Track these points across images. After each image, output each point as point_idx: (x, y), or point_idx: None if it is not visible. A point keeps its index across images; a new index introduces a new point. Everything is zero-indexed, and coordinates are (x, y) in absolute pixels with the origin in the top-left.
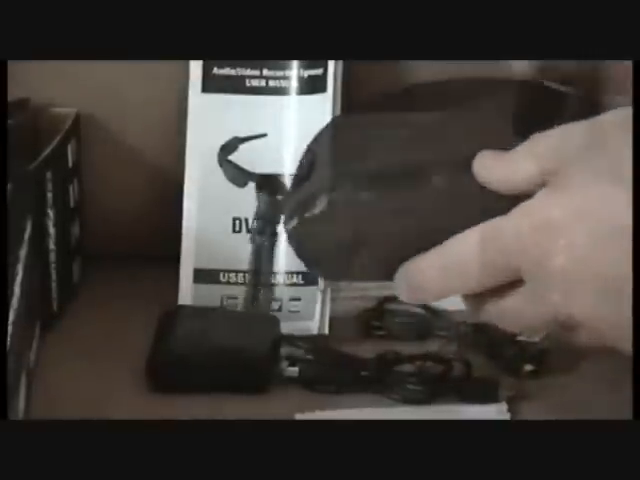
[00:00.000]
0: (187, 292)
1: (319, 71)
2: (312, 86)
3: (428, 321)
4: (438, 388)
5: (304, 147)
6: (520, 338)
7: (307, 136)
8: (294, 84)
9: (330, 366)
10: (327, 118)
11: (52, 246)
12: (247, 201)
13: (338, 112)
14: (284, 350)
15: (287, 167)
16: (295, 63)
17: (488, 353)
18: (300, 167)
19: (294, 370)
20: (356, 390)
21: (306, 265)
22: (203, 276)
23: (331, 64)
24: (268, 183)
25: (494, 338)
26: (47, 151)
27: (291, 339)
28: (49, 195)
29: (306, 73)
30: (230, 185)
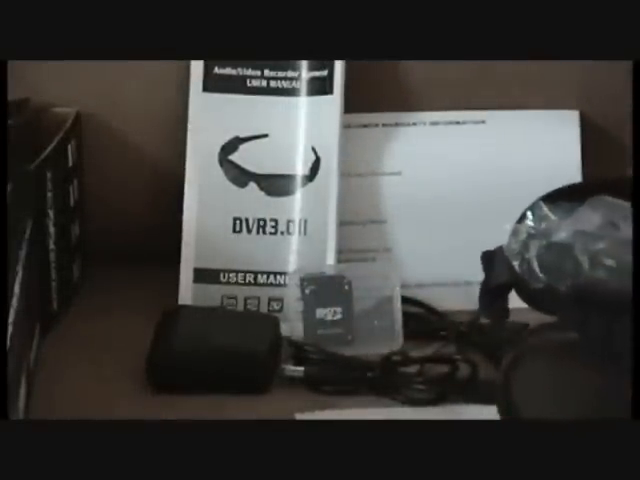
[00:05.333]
0: (187, 292)
1: (324, 73)
2: (318, 88)
3: (429, 321)
4: (444, 389)
5: (310, 148)
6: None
7: (313, 137)
8: (298, 85)
9: (336, 367)
10: (335, 119)
11: (52, 246)
12: (247, 201)
13: (342, 113)
14: (289, 350)
15: (293, 168)
16: (298, 64)
17: (488, 353)
18: None
19: (299, 370)
20: (362, 391)
21: None
22: (203, 276)
23: (337, 66)
24: (271, 183)
25: (494, 338)
26: (47, 151)
27: (296, 340)
28: (49, 195)
29: (310, 75)
30: (230, 185)
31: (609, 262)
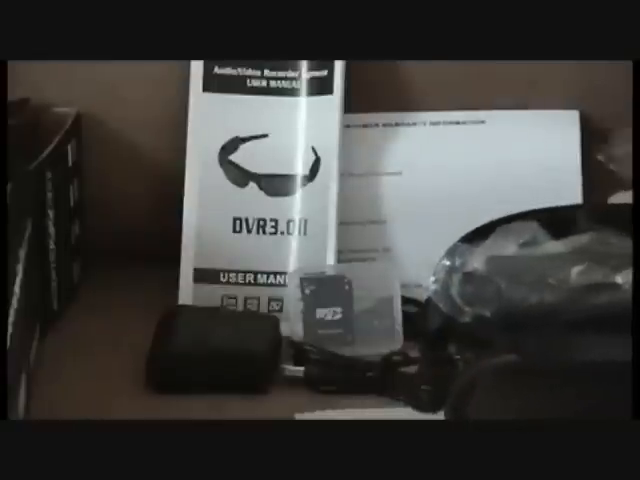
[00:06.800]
0: (187, 292)
1: (324, 73)
2: (318, 88)
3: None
4: (444, 389)
5: (310, 148)
6: None
7: (313, 137)
8: (298, 85)
9: (335, 367)
10: (335, 119)
11: (52, 246)
12: (247, 201)
13: (342, 113)
14: (289, 350)
15: (293, 168)
16: (298, 64)
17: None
18: None
19: (299, 370)
20: (362, 391)
21: None
22: (203, 276)
23: (337, 66)
24: (271, 183)
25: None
26: (47, 151)
27: (296, 340)
28: (49, 195)
29: (310, 75)
30: (230, 185)
31: (526, 279)
